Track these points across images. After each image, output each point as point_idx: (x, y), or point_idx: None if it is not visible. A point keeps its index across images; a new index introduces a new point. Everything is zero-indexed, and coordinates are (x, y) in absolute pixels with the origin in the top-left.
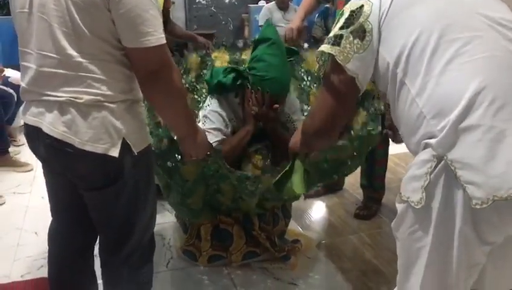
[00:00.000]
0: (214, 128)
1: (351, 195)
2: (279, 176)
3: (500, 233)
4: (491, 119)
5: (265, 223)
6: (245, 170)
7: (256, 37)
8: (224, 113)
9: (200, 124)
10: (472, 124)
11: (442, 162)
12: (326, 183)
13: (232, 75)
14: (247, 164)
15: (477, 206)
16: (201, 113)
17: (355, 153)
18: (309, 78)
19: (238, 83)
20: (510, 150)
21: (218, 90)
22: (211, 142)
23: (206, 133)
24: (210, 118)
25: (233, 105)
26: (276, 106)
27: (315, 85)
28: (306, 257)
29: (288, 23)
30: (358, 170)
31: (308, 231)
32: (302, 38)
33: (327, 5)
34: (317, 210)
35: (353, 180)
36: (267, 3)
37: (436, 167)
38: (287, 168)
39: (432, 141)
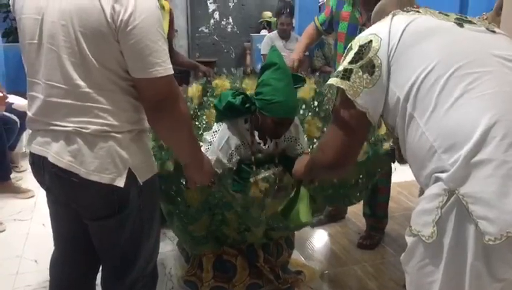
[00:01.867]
0: (214, 160)
1: (354, 224)
2: (285, 202)
3: None
4: (504, 154)
5: (270, 255)
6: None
7: (259, 65)
8: (232, 142)
9: (202, 148)
10: (484, 159)
11: (454, 197)
12: (329, 211)
13: (241, 96)
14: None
15: (490, 242)
16: (206, 138)
17: (361, 177)
18: (303, 107)
19: (246, 105)
20: None
21: (227, 113)
22: None
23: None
24: (215, 146)
25: (242, 131)
26: None
27: (309, 114)
28: (309, 288)
29: (290, 52)
30: None
31: (311, 260)
32: (303, 68)
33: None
34: (320, 239)
35: (356, 209)
36: (268, 32)
37: (447, 201)
38: (292, 194)
39: (443, 175)
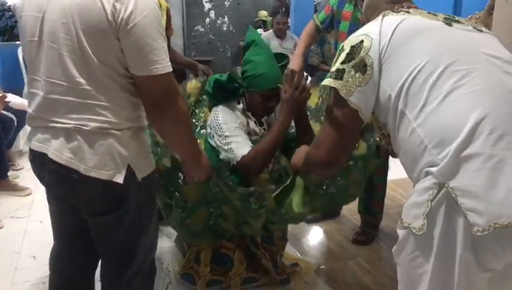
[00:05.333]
0: (236, 135)
1: (349, 220)
2: (279, 189)
3: (501, 260)
4: (491, 148)
5: (268, 243)
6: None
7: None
8: (233, 119)
9: (214, 139)
10: (473, 153)
11: (444, 190)
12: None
13: (227, 74)
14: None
15: (479, 233)
16: (208, 130)
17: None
18: (308, 114)
19: (234, 84)
20: (510, 178)
21: (217, 94)
22: (243, 150)
23: (233, 143)
24: (227, 127)
25: (238, 112)
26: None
27: (313, 120)
28: (304, 283)
29: (286, 51)
30: None
31: (306, 256)
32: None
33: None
34: (315, 235)
35: (351, 205)
36: (264, 31)
37: (437, 194)
38: (287, 183)
39: (433, 169)
